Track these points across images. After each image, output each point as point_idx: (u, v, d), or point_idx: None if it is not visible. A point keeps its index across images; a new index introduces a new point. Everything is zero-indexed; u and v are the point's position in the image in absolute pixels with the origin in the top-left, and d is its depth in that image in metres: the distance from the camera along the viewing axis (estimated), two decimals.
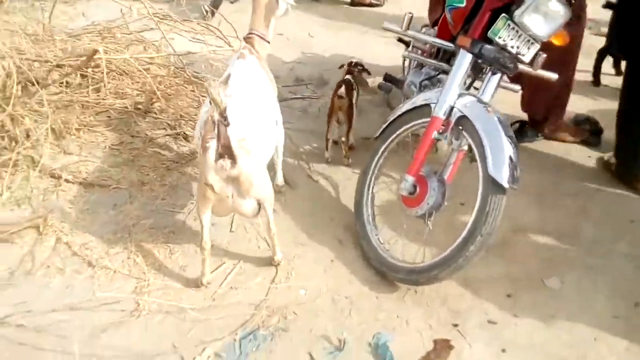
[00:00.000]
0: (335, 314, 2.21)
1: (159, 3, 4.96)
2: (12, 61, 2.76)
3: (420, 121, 2.34)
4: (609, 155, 3.06)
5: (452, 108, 2.21)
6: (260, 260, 2.44)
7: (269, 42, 2.61)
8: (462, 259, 2.04)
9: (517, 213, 2.78)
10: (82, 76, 3.40)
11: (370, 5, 5.66)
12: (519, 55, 2.18)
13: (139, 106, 3.48)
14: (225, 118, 1.84)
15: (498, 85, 2.30)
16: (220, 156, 1.91)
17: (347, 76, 3.07)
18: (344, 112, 2.93)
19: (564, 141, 3.35)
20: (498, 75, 2.27)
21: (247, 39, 2.54)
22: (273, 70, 4.13)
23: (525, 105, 3.19)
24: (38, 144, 2.97)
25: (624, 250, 2.55)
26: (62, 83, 3.36)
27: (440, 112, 2.21)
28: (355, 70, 3.17)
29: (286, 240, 2.55)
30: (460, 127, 2.20)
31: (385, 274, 2.33)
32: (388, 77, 3.20)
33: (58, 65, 3.10)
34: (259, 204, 2.17)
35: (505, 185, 1.99)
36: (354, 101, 2.99)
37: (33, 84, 2.96)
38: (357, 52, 4.49)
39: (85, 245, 2.48)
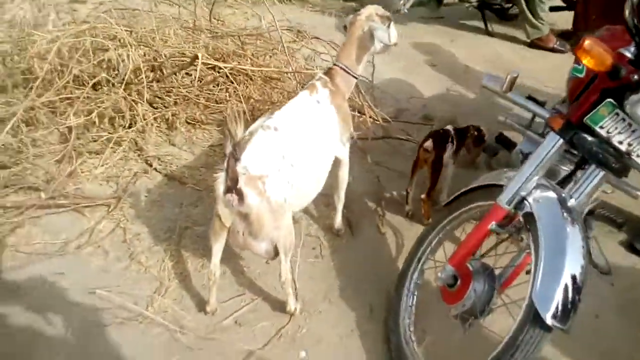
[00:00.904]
0: None
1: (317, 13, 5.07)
2: (133, 49, 2.99)
3: (485, 203, 1.91)
4: None
5: (523, 199, 1.75)
6: (281, 303, 2.26)
7: (356, 78, 2.39)
8: None
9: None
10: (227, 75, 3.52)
11: (553, 50, 4.97)
12: (631, 155, 1.63)
13: (257, 112, 3.53)
14: (236, 152, 1.71)
15: (599, 184, 1.76)
16: (228, 190, 1.79)
17: (448, 126, 2.70)
18: (429, 166, 2.57)
19: None
20: (601, 174, 1.73)
21: (329, 71, 2.36)
22: (405, 102, 3.94)
23: None
24: (147, 130, 3.19)
25: None
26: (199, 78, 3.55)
27: (504, 201, 1.77)
28: (472, 132, 2.77)
29: (317, 290, 2.34)
30: (528, 227, 1.73)
31: None
32: (501, 138, 2.73)
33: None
34: (276, 247, 2.00)
35: (547, 320, 1.50)
36: (446, 157, 2.61)
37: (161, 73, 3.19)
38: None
39: (138, 236, 2.57)
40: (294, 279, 2.36)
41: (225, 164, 1.75)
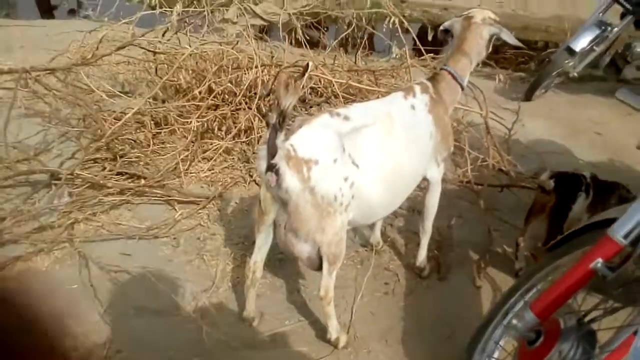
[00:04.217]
0: None
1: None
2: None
3: None
4: None
5: None
6: None
7: (462, 88, 2.06)
8: None
9: None
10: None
11: None
12: None
13: None
14: (280, 122, 1.50)
15: None
16: (269, 167, 1.57)
17: (586, 173, 2.17)
18: (546, 214, 2.06)
19: None
20: None
21: (433, 75, 2.06)
22: (554, 163, 3.35)
23: None
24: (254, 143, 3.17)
25: None
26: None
27: (619, 232, 1.26)
28: (616, 194, 2.19)
29: (374, 328, 1.98)
30: None
31: None
32: None
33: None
34: (321, 257, 1.70)
35: None
36: (576, 208, 2.07)
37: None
38: None
39: (213, 236, 2.49)
40: (352, 309, 2.01)
41: (267, 135, 1.54)
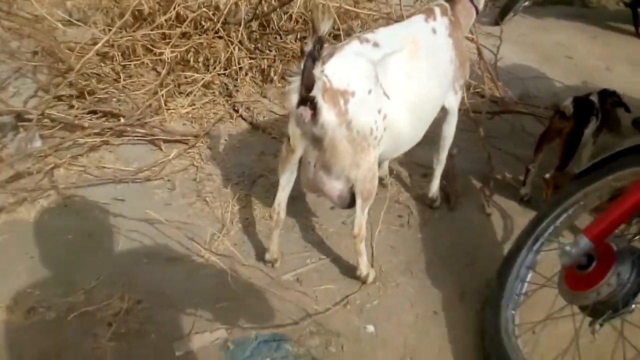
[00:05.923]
0: None
1: None
2: None
3: None
4: None
5: None
6: (352, 269, 1.88)
7: (477, 12, 1.96)
8: None
9: None
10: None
11: None
12: None
13: None
14: (318, 50, 1.36)
15: None
16: (302, 101, 1.44)
17: (593, 97, 2.17)
18: (562, 139, 2.06)
19: None
20: None
21: None
22: (534, 88, 3.40)
23: None
24: (240, 77, 2.98)
25: None
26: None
27: None
28: (608, 101, 2.22)
29: (396, 261, 1.96)
30: None
31: None
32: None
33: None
34: (352, 194, 1.62)
35: None
36: (587, 133, 2.08)
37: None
38: None
39: (209, 176, 2.34)
40: (371, 244, 1.98)
41: (302, 66, 1.40)
